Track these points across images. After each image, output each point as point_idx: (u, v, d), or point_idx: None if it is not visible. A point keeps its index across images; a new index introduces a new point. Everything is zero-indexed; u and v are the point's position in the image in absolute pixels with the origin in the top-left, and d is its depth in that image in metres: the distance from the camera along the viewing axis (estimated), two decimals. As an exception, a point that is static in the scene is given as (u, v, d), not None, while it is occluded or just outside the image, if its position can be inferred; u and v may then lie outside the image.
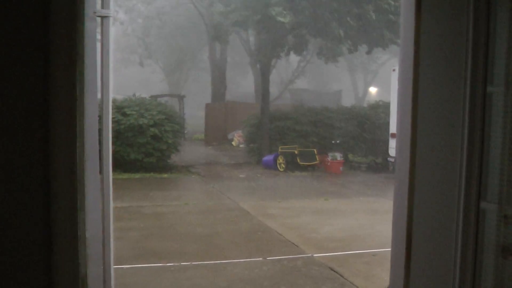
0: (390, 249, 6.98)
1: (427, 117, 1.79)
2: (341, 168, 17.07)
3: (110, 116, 2.92)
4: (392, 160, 16.36)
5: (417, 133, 1.85)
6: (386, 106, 19.17)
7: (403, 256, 2.00)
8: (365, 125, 18.68)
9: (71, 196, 2.10)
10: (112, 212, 2.93)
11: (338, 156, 17.26)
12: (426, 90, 1.80)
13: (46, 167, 1.91)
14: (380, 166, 17.51)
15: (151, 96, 21.95)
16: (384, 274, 6.68)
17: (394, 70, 17.02)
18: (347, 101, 31.11)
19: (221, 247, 7.70)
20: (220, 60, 29.55)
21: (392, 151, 16.22)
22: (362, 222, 9.85)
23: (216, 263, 6.91)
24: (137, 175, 14.29)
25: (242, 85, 39.48)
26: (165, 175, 14.63)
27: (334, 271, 6.78)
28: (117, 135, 14.21)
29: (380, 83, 38.18)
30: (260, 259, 7.20)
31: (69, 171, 2.04)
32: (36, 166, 1.89)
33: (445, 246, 1.76)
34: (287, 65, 32.69)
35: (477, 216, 1.64)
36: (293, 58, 28.48)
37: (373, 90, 39.50)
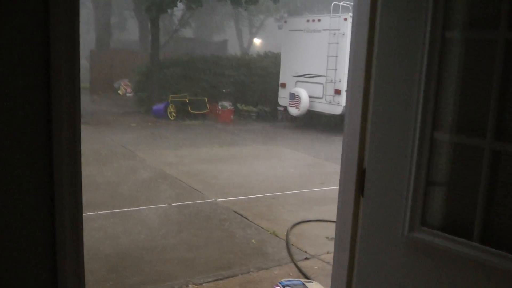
0: (288, 192, 7.32)
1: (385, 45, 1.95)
2: (231, 116, 17.30)
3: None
4: (282, 109, 16.87)
5: (372, 68, 2.00)
6: (275, 56, 19.49)
7: (352, 191, 2.10)
8: (255, 75, 18.90)
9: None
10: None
11: (228, 105, 17.44)
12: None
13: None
14: (270, 115, 17.95)
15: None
16: (286, 215, 7.06)
17: (285, 22, 17.37)
18: (233, 51, 31.16)
19: (125, 195, 7.64)
20: (104, 7, 28.19)
21: (281, 100, 16.72)
22: (257, 168, 10.20)
23: (123, 211, 6.88)
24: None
25: (127, 33, 37.90)
26: (52, 125, 13.87)
27: (239, 214, 7.04)
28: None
29: (265, 35, 38.64)
30: (166, 205, 7.27)
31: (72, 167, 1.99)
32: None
33: (399, 176, 1.91)
34: (171, 14, 31.88)
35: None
36: (178, 6, 27.72)
37: (257, 41, 39.82)
